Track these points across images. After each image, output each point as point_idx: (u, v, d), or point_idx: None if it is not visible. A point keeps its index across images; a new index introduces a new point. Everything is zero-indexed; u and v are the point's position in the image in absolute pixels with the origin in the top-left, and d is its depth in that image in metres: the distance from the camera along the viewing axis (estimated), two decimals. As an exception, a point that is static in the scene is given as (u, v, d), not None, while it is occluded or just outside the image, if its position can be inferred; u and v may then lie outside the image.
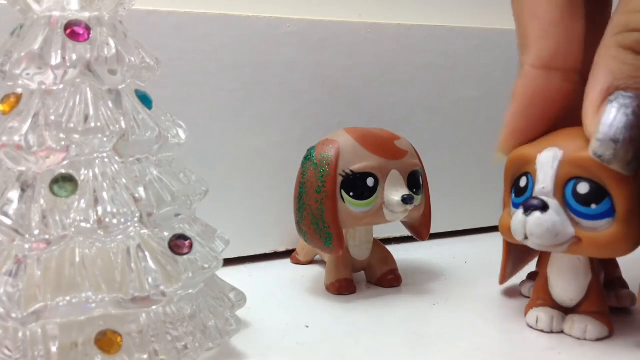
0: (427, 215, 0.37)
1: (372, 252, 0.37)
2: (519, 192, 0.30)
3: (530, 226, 0.28)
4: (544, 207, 0.28)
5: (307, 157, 0.34)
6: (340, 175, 0.33)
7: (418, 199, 0.34)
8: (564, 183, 0.28)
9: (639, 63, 0.25)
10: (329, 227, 0.33)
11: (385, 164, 0.33)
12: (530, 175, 0.29)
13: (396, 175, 0.34)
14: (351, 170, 0.33)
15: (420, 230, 0.37)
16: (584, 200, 0.27)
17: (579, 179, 0.28)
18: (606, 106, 0.26)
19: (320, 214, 0.33)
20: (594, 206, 0.27)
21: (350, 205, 0.33)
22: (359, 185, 0.33)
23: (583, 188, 0.27)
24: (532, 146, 0.30)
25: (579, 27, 0.28)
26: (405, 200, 0.33)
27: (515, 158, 0.30)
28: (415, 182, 0.35)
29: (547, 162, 0.28)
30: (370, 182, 0.33)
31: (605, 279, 0.32)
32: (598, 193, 0.27)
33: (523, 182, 0.29)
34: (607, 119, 0.26)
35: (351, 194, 0.33)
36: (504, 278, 0.34)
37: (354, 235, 0.36)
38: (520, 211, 0.28)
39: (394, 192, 0.33)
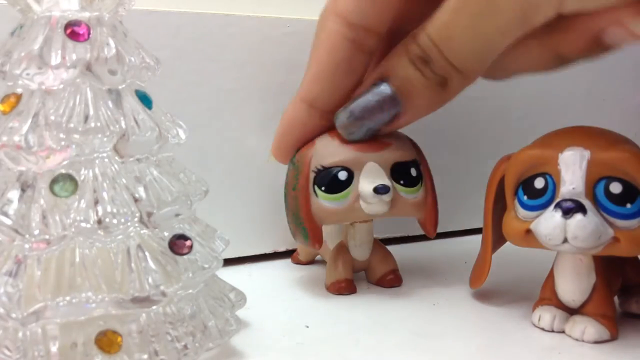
0: (430, 210, 0.35)
1: (373, 252, 0.37)
2: (535, 194, 0.29)
3: (573, 229, 0.27)
4: (584, 209, 0.27)
5: (291, 160, 0.35)
6: (313, 171, 0.33)
7: (409, 191, 0.34)
8: (594, 183, 0.28)
9: (406, 67, 0.31)
10: (303, 222, 0.34)
11: (359, 156, 0.33)
12: (549, 176, 0.29)
13: (373, 167, 0.33)
14: (322, 166, 0.33)
15: (425, 226, 0.36)
16: (619, 199, 0.27)
17: (609, 178, 0.28)
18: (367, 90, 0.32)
19: (297, 210, 0.34)
20: (629, 205, 0.27)
21: (323, 200, 0.33)
22: (330, 179, 0.33)
23: (616, 188, 0.27)
24: (543, 146, 0.29)
25: (348, 82, 0.33)
26: (378, 190, 0.32)
27: (525, 159, 0.30)
28: (404, 174, 0.34)
29: (574, 162, 0.28)
30: (342, 175, 0.33)
31: (624, 284, 0.32)
32: (631, 192, 0.27)
33: (540, 183, 0.29)
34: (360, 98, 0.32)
35: (323, 188, 0.33)
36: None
37: (354, 236, 0.36)
38: (556, 214, 0.28)
39: (368, 183, 0.33)
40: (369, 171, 0.33)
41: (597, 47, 0.29)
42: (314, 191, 0.33)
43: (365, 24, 0.32)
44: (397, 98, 0.31)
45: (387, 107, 0.31)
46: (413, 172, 0.34)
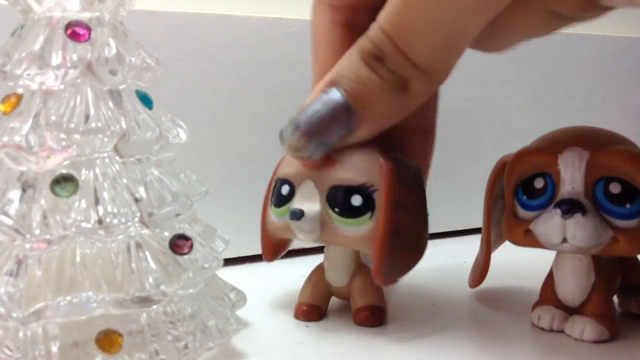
0: (376, 251, 0.28)
1: (354, 280, 0.32)
2: (534, 194, 0.29)
3: (572, 229, 0.27)
4: (584, 209, 0.27)
5: None
6: (275, 180, 0.31)
7: (345, 222, 0.28)
8: (593, 183, 0.28)
9: (358, 68, 0.26)
10: (261, 229, 0.32)
11: (301, 171, 0.29)
12: (549, 176, 0.29)
13: (308, 187, 0.29)
14: (278, 176, 0.31)
15: (372, 265, 0.28)
16: (618, 199, 0.27)
17: (609, 178, 0.28)
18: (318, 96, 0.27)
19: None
20: (628, 205, 0.27)
21: (271, 212, 0.31)
22: (276, 192, 0.30)
23: (615, 188, 0.27)
24: (542, 146, 0.30)
25: None
26: (290, 215, 0.28)
27: (525, 159, 0.30)
28: (341, 201, 0.28)
29: (573, 162, 0.28)
30: (284, 189, 0.30)
31: (623, 284, 0.32)
32: (631, 192, 0.27)
33: (539, 183, 0.29)
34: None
35: (272, 200, 0.31)
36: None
37: (327, 257, 0.32)
38: (555, 214, 0.28)
39: (291, 205, 0.29)
40: (302, 191, 0.29)
41: (590, 5, 0.25)
42: (270, 200, 0.31)
43: (349, 2, 0.29)
44: (351, 106, 0.26)
45: (340, 117, 0.27)
46: (355, 200, 0.28)
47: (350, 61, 0.27)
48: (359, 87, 0.26)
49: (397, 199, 0.28)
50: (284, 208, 0.29)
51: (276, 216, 0.30)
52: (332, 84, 0.27)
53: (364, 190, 0.28)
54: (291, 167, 0.30)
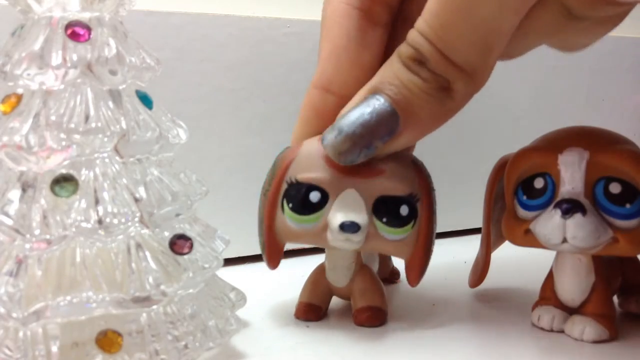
0: (417, 257, 0.29)
1: (354, 280, 0.31)
2: (534, 194, 0.29)
3: (572, 229, 0.27)
4: (584, 209, 0.27)
5: (275, 159, 0.31)
6: (286, 182, 0.29)
7: (391, 232, 0.29)
8: (593, 183, 0.28)
9: (400, 72, 0.26)
10: (264, 234, 0.30)
11: (339, 179, 0.28)
12: (549, 176, 0.29)
13: (352, 196, 0.28)
14: (296, 179, 0.29)
15: (408, 271, 0.30)
16: (618, 199, 0.27)
17: (609, 178, 0.28)
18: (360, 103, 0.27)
19: (261, 219, 0.30)
20: (628, 205, 0.27)
21: (288, 217, 0.29)
22: (300, 197, 0.29)
23: (615, 188, 0.27)
24: (542, 146, 0.30)
25: (365, 56, 0.29)
26: (344, 227, 0.28)
27: (525, 159, 0.30)
28: (390, 211, 0.28)
29: (573, 162, 0.28)
30: (314, 196, 0.28)
31: (623, 284, 0.32)
32: (631, 192, 0.27)
33: (539, 183, 0.29)
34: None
35: (290, 205, 0.29)
36: None
37: (329, 257, 0.32)
38: (555, 214, 0.28)
39: (339, 215, 0.28)
40: (344, 200, 0.28)
41: (601, 1, 0.25)
42: (282, 205, 0.29)
43: None
44: (394, 110, 0.26)
45: (384, 122, 0.26)
46: (404, 210, 0.29)
47: (391, 67, 0.27)
48: (402, 91, 0.26)
49: (434, 208, 0.30)
50: (313, 216, 0.29)
51: (296, 223, 0.29)
52: (374, 90, 0.27)
53: (410, 201, 0.29)
54: (321, 173, 0.28)
